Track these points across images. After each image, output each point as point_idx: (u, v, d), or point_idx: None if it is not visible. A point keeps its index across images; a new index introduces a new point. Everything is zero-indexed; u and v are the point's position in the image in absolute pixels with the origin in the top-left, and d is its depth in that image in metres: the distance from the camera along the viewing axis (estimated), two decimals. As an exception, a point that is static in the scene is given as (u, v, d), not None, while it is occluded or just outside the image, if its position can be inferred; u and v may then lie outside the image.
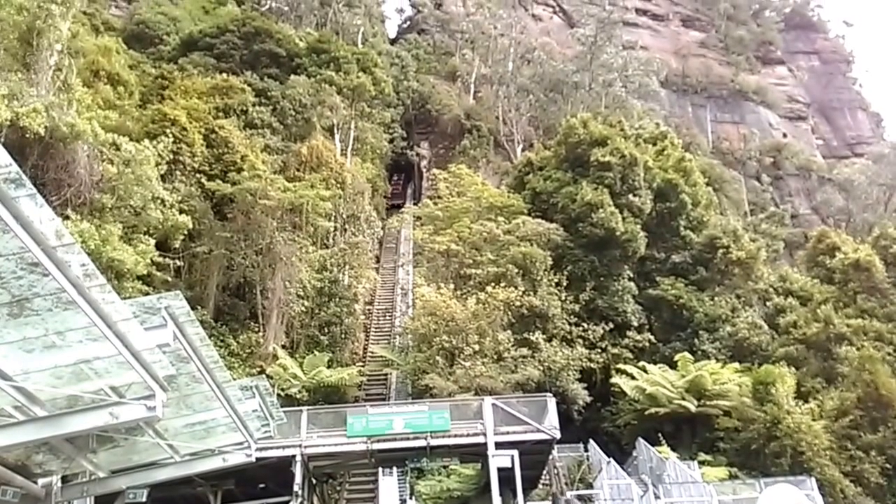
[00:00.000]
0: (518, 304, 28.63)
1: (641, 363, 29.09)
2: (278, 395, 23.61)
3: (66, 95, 23.01)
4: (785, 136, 79.28)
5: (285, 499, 19.98)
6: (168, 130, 28.08)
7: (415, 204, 49.94)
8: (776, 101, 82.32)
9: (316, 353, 29.44)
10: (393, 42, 74.96)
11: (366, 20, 65.60)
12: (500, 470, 19.68)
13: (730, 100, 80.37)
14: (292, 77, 40.70)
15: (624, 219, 33.34)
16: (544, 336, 28.76)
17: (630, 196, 34.44)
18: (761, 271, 36.03)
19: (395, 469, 23.22)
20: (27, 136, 20.58)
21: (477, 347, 26.85)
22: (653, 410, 26.40)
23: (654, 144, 40.46)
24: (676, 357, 28.56)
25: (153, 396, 8.97)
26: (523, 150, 54.66)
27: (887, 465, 24.19)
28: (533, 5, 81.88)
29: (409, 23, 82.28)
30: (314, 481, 22.39)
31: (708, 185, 43.24)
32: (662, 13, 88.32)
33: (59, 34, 23.45)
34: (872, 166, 67.00)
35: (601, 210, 32.93)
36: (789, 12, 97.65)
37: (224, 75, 38.22)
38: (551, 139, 45.41)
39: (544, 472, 24.03)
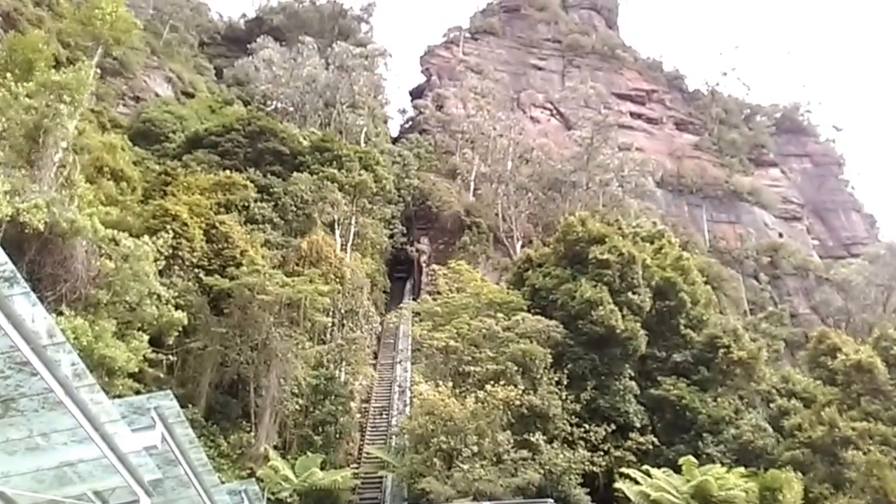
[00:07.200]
0: (518, 403, 27.91)
1: (645, 466, 28.09)
2: (268, 499, 22.79)
3: (68, 191, 23.20)
4: (781, 235, 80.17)
5: None
6: (169, 226, 28.15)
7: (414, 299, 49.75)
8: (771, 201, 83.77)
9: (309, 453, 28.41)
10: (395, 141, 76.95)
11: (369, 120, 67.50)
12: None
13: (725, 200, 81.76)
14: (295, 174, 41.26)
15: (624, 316, 33.05)
16: (545, 437, 27.91)
17: (629, 294, 34.28)
18: (763, 371, 35.40)
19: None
20: (26, 231, 20.61)
21: (476, 449, 25.98)
22: (658, 518, 25.36)
23: (652, 243, 40.73)
24: (681, 461, 27.58)
25: (137, 502, 8.64)
26: (522, 247, 55.01)
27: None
28: (531, 108, 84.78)
29: (410, 123, 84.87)
30: None
31: (706, 283, 43.20)
32: (656, 117, 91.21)
33: (65, 132, 23.90)
34: (869, 266, 67.11)
35: (601, 307, 32.68)
36: (780, 117, 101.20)
37: (227, 172, 38.61)
38: (550, 236, 45.73)
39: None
